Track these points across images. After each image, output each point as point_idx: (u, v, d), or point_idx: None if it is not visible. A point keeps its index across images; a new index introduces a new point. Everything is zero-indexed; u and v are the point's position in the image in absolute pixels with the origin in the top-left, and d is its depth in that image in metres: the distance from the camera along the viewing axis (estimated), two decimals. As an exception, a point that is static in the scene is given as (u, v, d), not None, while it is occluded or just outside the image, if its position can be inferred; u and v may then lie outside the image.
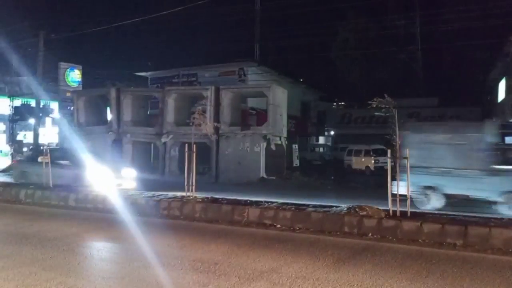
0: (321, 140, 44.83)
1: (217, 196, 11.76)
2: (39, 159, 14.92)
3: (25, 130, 36.62)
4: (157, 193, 12.47)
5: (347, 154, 29.31)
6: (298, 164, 28.20)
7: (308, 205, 10.42)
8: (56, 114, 32.76)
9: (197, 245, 7.77)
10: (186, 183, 11.55)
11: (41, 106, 29.54)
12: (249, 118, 26.59)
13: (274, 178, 20.52)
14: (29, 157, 18.12)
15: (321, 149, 39.09)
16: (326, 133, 45.79)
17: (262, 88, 22.20)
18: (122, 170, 15.44)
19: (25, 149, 30.68)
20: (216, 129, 20.19)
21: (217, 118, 20.94)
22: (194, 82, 30.81)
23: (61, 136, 32.03)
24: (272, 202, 10.87)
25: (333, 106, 47.18)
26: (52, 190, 13.07)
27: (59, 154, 15.87)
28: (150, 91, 25.99)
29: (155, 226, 9.50)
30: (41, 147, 29.19)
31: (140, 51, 37.75)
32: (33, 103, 30.62)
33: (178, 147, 21.85)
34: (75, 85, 34.09)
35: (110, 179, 14.28)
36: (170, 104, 22.20)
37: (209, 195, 11.80)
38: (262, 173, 20.28)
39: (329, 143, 43.85)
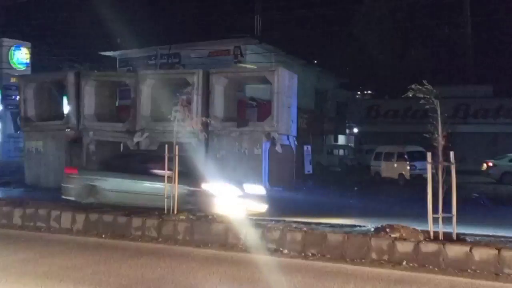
0: (341, 140, 44.85)
1: (205, 214, 11.72)
2: None
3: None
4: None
5: (375, 158, 29.33)
6: (311, 171, 28.17)
7: (324, 225, 10.39)
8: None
9: (169, 277, 7.76)
10: (165, 195, 11.53)
11: (-23, 96, 29.63)
12: (248, 111, 26.57)
13: (280, 189, 20.48)
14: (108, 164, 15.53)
15: (341, 152, 39.13)
16: (347, 131, 45.80)
17: (264, 72, 22.19)
18: (245, 186, 13.74)
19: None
20: (205, 126, 20.10)
21: (206, 111, 20.93)
22: (176, 64, 30.84)
23: (4, 135, 32.11)
24: (277, 221, 10.84)
25: (357, 96, 47.24)
26: None
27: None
28: (119, 76, 25.96)
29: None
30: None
31: (106, 23, 37.72)
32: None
33: (155, 149, 21.82)
34: (22, 68, 34.14)
35: (234, 199, 12.73)
36: (145, 93, 22.19)
37: (195, 212, 11.77)
38: (265, 183, 20.25)
39: (351, 144, 43.86)
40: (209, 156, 20.56)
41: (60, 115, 24.12)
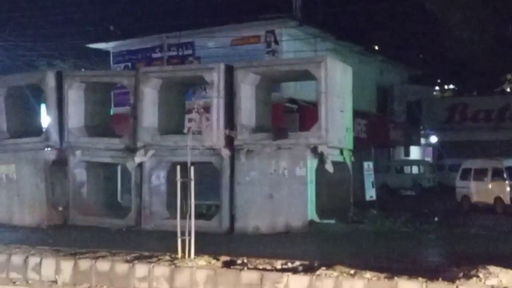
0: (415, 153, 44.53)
1: (232, 258, 11.78)
2: None
3: None
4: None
5: (462, 177, 29.01)
6: (374, 197, 27.94)
7: (394, 270, 10.34)
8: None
9: None
10: (179, 234, 11.62)
11: None
12: (287, 117, 26.59)
13: (333, 221, 20.39)
14: None
15: (415, 169, 38.83)
16: (423, 141, 45.45)
17: (307, 64, 22.16)
18: None
19: None
20: (229, 139, 20.21)
21: (230, 119, 21.00)
22: (189, 57, 31.13)
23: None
24: (329, 265, 10.82)
25: (434, 93, 46.92)
26: None
27: None
28: (114, 75, 26.27)
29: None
30: None
31: (96, 6, 38.35)
32: None
33: (165, 171, 22.00)
34: (-14, 68, 34.75)
35: None
36: (149, 97, 22.38)
37: (219, 255, 11.83)
38: (312, 214, 20.22)
39: (428, 159, 43.50)
40: (235, 179, 20.64)
41: (37, 130, 24.39)
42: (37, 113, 25.81)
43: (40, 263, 12.15)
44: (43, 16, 37.11)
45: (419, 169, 38.80)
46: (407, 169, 38.86)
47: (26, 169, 23.01)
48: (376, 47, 38.08)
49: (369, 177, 27.75)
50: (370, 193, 27.42)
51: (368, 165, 27.86)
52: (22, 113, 24.86)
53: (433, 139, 43.98)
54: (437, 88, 47.04)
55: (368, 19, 40.36)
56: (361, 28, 38.57)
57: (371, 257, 12.82)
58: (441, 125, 41.59)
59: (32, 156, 23.12)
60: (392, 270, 10.50)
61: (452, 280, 9.27)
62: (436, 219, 22.22)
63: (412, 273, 10.06)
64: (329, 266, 10.85)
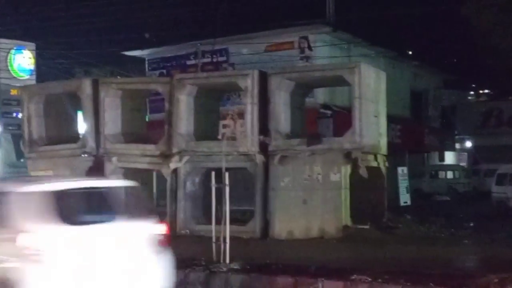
0: (450, 158, 44.17)
1: (267, 261, 11.81)
2: None
3: None
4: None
5: (498, 182, 28.74)
6: (408, 202, 27.80)
7: (431, 275, 10.28)
8: (-6, 126, 33.84)
9: None
10: (213, 239, 11.68)
11: (-30, 114, 30.72)
12: (321, 123, 26.57)
13: (367, 227, 20.31)
14: None
15: (450, 175, 38.56)
16: (457, 146, 45.07)
17: (341, 70, 22.12)
18: None
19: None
20: (263, 145, 20.25)
21: (264, 125, 21.03)
22: (223, 64, 31.24)
23: (4, 164, 33.01)
24: (363, 271, 10.79)
25: (470, 98, 46.51)
26: None
27: None
28: (149, 82, 26.48)
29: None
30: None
31: (132, 15, 38.67)
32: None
33: (199, 178, 22.10)
34: (24, 76, 35.16)
35: None
36: (184, 104, 22.49)
37: (253, 259, 11.86)
38: (346, 219, 20.17)
39: (463, 164, 43.12)
40: (269, 185, 20.67)
41: (74, 137, 24.63)
42: (74, 120, 26.06)
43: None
44: (80, 25, 37.52)
45: (454, 174, 38.51)
46: (441, 174, 38.59)
47: (64, 175, 23.22)
48: (410, 52, 37.86)
49: (403, 182, 27.64)
50: (405, 198, 27.31)
51: (402, 170, 27.75)
52: (59, 120, 25.12)
53: (468, 144, 43.63)
54: (472, 92, 46.62)
55: (402, 24, 40.13)
56: (395, 33, 38.33)
57: (406, 262, 12.77)
58: (476, 130, 41.24)
59: (69, 162, 23.32)
60: (426, 275, 10.46)
61: (487, 286, 9.20)
62: (471, 224, 22.05)
63: (446, 278, 10.01)
64: (363, 271, 10.82)
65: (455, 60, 44.19)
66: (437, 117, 41.10)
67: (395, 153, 26.82)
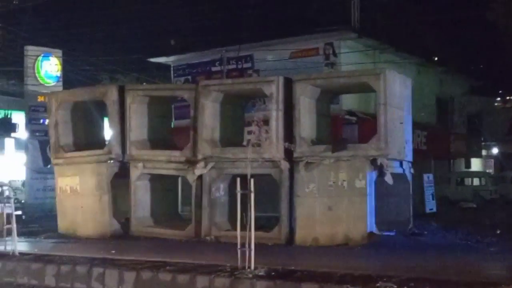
0: (476, 165, 43.87)
1: (292, 268, 11.81)
2: None
3: (-27, 160, 38.55)
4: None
5: (525, 190, 28.54)
6: (434, 209, 27.67)
7: (457, 283, 10.23)
8: (22, 132, 34.16)
9: None
10: (238, 246, 11.70)
11: (-3, 120, 31.06)
12: (346, 129, 26.51)
13: (393, 233, 20.23)
14: None
15: (476, 182, 38.29)
16: (484, 153, 44.75)
17: (366, 76, 22.05)
18: None
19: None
20: (288, 152, 20.26)
21: (289, 131, 21.04)
22: (248, 70, 31.31)
23: (31, 170, 33.30)
24: (391, 277, 10.76)
25: (496, 104, 46.16)
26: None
27: None
28: (175, 89, 26.60)
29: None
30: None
31: (157, 22, 38.89)
32: (-16, 115, 32.31)
33: (224, 183, 22.14)
34: (51, 83, 35.44)
35: None
36: (209, 110, 22.57)
37: (278, 266, 11.86)
38: (371, 226, 20.08)
39: (490, 170, 42.81)
40: (294, 191, 20.66)
41: (100, 143, 24.80)
42: (100, 126, 26.24)
43: (104, 273, 12.37)
44: (106, 32, 37.82)
45: (480, 181, 38.24)
46: (468, 181, 38.34)
47: (90, 181, 23.36)
48: (436, 58, 37.67)
49: (429, 189, 27.51)
50: (430, 205, 27.18)
51: (428, 177, 27.62)
52: (86, 126, 25.31)
53: (495, 150, 43.30)
54: (498, 99, 46.24)
55: (428, 30, 39.94)
56: (421, 39, 38.14)
57: (431, 270, 12.70)
58: (503, 137, 40.93)
59: (95, 168, 23.48)
60: (452, 283, 10.40)
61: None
62: (498, 232, 21.87)
63: (472, 286, 9.94)
64: (389, 278, 10.78)
65: (481, 66, 43.92)
66: (463, 123, 40.87)
67: (420, 160, 26.70)
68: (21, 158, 35.47)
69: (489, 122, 42.49)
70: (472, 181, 38.30)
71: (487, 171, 42.84)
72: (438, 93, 37.00)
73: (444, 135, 37.09)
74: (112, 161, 23.31)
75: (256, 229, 11.86)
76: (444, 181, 36.17)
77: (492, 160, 44.64)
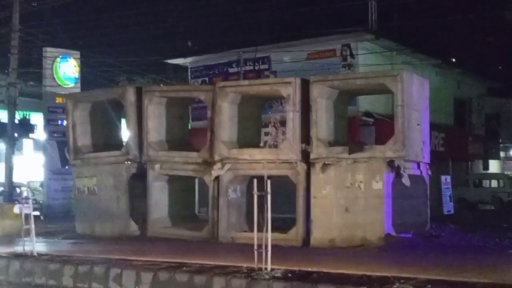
0: (494, 166, 43.61)
1: (308, 269, 11.79)
2: (15, 209, 15.80)
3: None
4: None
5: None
6: (452, 210, 27.55)
7: (475, 285, 10.17)
8: (40, 133, 34.35)
9: None
10: (255, 247, 11.71)
11: (16, 121, 31.24)
12: (362, 131, 26.44)
13: (410, 235, 20.16)
14: None
15: (494, 183, 38.06)
16: (502, 155, 44.50)
17: (383, 77, 22.00)
18: None
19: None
20: (305, 153, 20.25)
21: (306, 133, 21.04)
22: (265, 71, 31.31)
23: (49, 171, 33.49)
24: (408, 279, 10.73)
25: (514, 105, 45.87)
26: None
27: None
28: (192, 90, 26.67)
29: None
30: (18, 188, 30.86)
31: (175, 23, 38.96)
32: (3, 116, 32.48)
33: (241, 185, 22.16)
34: (70, 84, 35.61)
35: None
36: (226, 111, 22.60)
37: (295, 267, 11.85)
38: (388, 228, 20.03)
39: (508, 172, 42.53)
40: (311, 193, 20.64)
41: (118, 144, 24.90)
42: (117, 128, 26.36)
43: (121, 274, 12.42)
44: (123, 33, 37.97)
45: (498, 183, 38.02)
46: (486, 183, 38.13)
47: (107, 182, 23.50)
48: (454, 60, 37.49)
49: (446, 191, 27.41)
50: (448, 207, 27.07)
51: (445, 179, 27.51)
52: (103, 128, 25.45)
53: (513, 152, 42.99)
54: (517, 100, 45.93)
55: (445, 31, 39.84)
56: (438, 41, 38.07)
57: (449, 272, 12.64)
58: (521, 139, 40.67)
59: (113, 169, 23.62)
60: (470, 285, 10.34)
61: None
62: (516, 233, 21.75)
63: (491, 288, 9.89)
64: (406, 280, 10.75)
65: (499, 67, 43.63)
66: (481, 125, 40.65)
67: (438, 162, 26.60)
68: (40, 159, 35.70)
69: (507, 124, 42.24)
70: (490, 183, 38.09)
71: (505, 173, 42.52)
72: (456, 94, 36.82)
73: (462, 137, 36.89)
74: (129, 162, 23.41)
75: (273, 230, 11.86)
76: (462, 183, 36.01)
77: (511, 162, 44.32)
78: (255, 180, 12.04)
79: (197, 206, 26.25)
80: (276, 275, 11.16)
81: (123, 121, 25.52)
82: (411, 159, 20.93)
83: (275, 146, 15.75)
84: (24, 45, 32.23)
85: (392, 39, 30.34)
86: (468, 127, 38.76)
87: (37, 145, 37.34)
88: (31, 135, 33.35)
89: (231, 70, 32.49)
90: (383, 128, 25.11)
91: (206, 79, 33.09)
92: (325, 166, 20.74)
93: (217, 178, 22.01)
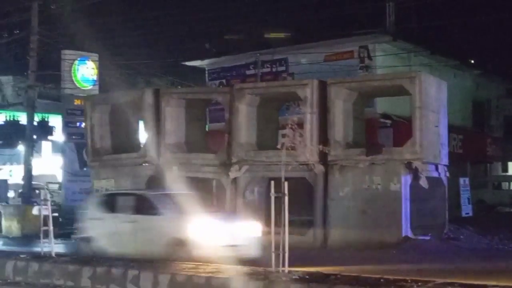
0: (513, 168, 43.34)
1: (327, 271, 11.79)
2: (34, 211, 15.91)
3: (10, 163, 39.02)
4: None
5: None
6: (470, 213, 27.42)
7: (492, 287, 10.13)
8: (59, 135, 34.52)
9: None
10: (273, 248, 11.71)
11: (35, 123, 31.41)
12: (380, 133, 26.35)
13: (428, 237, 20.10)
14: None
15: (514, 185, 37.87)
16: (522, 156, 44.22)
17: (401, 79, 21.99)
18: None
19: (11, 193, 32.65)
20: (323, 155, 20.24)
21: (323, 134, 21.03)
22: (283, 73, 31.28)
23: (67, 173, 33.63)
24: (427, 282, 10.69)
25: (533, 107, 45.60)
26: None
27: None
28: (209, 92, 26.76)
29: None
30: (37, 189, 31.01)
31: (192, 26, 39.08)
32: (22, 118, 32.68)
33: (258, 187, 22.18)
34: (88, 86, 35.66)
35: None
36: (243, 113, 22.64)
37: (312, 269, 11.85)
38: (406, 230, 19.98)
39: (527, 174, 42.23)
40: (328, 195, 20.63)
41: (136, 146, 24.99)
42: (135, 130, 26.43)
43: (139, 275, 12.46)
44: (141, 35, 38.10)
45: (518, 185, 37.84)
46: (505, 185, 37.89)
47: (126, 184, 23.53)
48: (472, 61, 37.27)
49: (465, 193, 27.27)
50: (466, 210, 26.94)
51: (464, 181, 27.38)
52: (121, 130, 25.52)
53: (532, 154, 42.62)
54: (536, 101, 45.59)
55: (464, 33, 39.61)
56: (456, 42, 37.84)
57: (468, 274, 12.59)
58: (541, 140, 40.32)
59: (130, 171, 23.69)
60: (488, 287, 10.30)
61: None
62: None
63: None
64: (424, 283, 10.71)
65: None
66: (500, 126, 40.39)
67: (456, 164, 26.45)
68: (58, 161, 35.87)
69: (527, 125, 41.90)
70: (509, 185, 37.85)
71: (525, 174, 42.25)
72: (474, 96, 36.58)
73: (480, 139, 36.66)
74: (147, 164, 23.48)
75: (290, 232, 11.86)
76: (481, 185, 35.79)
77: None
78: (272, 182, 12.05)
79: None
80: (293, 277, 11.16)
81: (141, 123, 25.62)
82: (429, 161, 20.88)
83: (292, 148, 15.69)
84: (43, 48, 32.39)
85: (409, 41, 30.22)
86: (486, 129, 38.51)
87: (56, 147, 37.48)
88: (49, 137, 33.52)
89: (248, 72, 32.48)
90: (401, 130, 25.00)
91: (224, 81, 33.10)
92: (342, 168, 20.74)
93: (234, 180, 22.06)
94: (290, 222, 11.85)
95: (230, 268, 12.46)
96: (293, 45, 31.46)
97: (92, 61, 35.38)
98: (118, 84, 36.43)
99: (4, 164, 37.71)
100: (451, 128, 24.23)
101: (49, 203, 15.78)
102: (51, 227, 15.30)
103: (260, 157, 21.52)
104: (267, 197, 14.60)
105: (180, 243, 14.90)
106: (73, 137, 34.40)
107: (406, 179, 20.19)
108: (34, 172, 31.47)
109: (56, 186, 36.58)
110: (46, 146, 39.01)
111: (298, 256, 12.73)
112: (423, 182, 20.40)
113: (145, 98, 23.90)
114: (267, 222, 14.55)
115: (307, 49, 30.28)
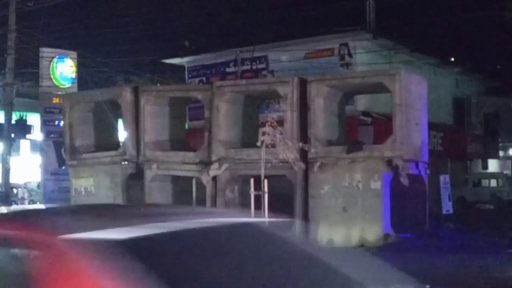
0: (493, 166, 43.62)
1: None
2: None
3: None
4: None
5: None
6: (451, 210, 27.45)
7: (470, 285, 10.15)
8: (37, 133, 34.33)
9: None
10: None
11: (13, 122, 31.22)
12: (360, 130, 26.41)
13: (409, 235, 20.13)
14: None
15: (493, 183, 38.04)
16: (501, 154, 44.51)
17: (381, 76, 22.04)
18: None
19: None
20: (303, 153, 20.22)
21: (303, 132, 21.02)
22: (263, 71, 31.29)
23: (46, 171, 33.44)
24: (404, 280, 10.67)
25: (513, 104, 45.93)
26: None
27: None
28: (189, 90, 26.66)
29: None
30: (14, 188, 30.82)
31: (170, 22, 38.95)
32: (0, 117, 32.49)
33: (238, 185, 22.14)
34: (66, 84, 35.53)
35: None
36: (223, 111, 22.60)
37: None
38: (387, 227, 20.03)
39: (507, 171, 42.53)
40: (309, 193, 20.62)
41: (115, 144, 24.88)
42: (114, 128, 26.32)
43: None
44: (120, 33, 37.94)
45: (497, 182, 37.98)
46: (485, 182, 38.09)
47: (104, 182, 23.49)
48: (452, 59, 37.48)
49: (445, 191, 27.30)
50: (447, 207, 26.97)
51: (444, 178, 27.41)
52: (100, 128, 25.43)
53: (512, 151, 42.99)
54: (516, 99, 45.94)
55: (444, 31, 39.78)
56: (437, 40, 37.99)
57: (449, 272, 12.63)
58: (521, 138, 40.66)
59: (109, 169, 23.59)
60: (468, 285, 10.33)
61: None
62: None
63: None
64: (404, 280, 10.70)
65: (498, 66, 43.66)
66: (480, 124, 40.68)
67: (437, 161, 26.57)
68: (37, 159, 35.67)
69: (506, 123, 42.16)
70: (489, 183, 38.05)
71: (505, 172, 42.52)
72: (455, 93, 36.82)
73: (460, 136, 36.86)
74: (126, 162, 23.40)
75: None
76: (461, 182, 35.99)
77: (510, 161, 44.33)
78: (252, 180, 12.02)
79: (194, 206, 26.19)
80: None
81: (120, 121, 25.49)
82: (410, 159, 20.93)
83: (273, 146, 15.70)
84: (20, 46, 32.19)
85: (390, 38, 30.35)
86: (467, 126, 38.75)
87: (34, 146, 37.34)
88: (28, 135, 33.32)
89: (228, 70, 32.48)
90: (382, 127, 25.10)
91: (203, 78, 33.07)
92: (323, 166, 20.74)
93: (214, 178, 22.01)
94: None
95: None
96: (273, 43, 31.46)
97: (71, 58, 35.23)
98: (97, 82, 36.34)
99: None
100: (432, 126, 24.34)
101: (26, 202, 15.63)
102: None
103: (241, 155, 21.48)
104: (247, 195, 14.55)
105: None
106: (52, 135, 34.18)
107: (387, 177, 20.24)
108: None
109: (34, 185, 36.40)
110: (24, 144, 38.83)
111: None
112: (404, 180, 20.45)
113: (124, 95, 23.79)
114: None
115: (288, 46, 30.33)
